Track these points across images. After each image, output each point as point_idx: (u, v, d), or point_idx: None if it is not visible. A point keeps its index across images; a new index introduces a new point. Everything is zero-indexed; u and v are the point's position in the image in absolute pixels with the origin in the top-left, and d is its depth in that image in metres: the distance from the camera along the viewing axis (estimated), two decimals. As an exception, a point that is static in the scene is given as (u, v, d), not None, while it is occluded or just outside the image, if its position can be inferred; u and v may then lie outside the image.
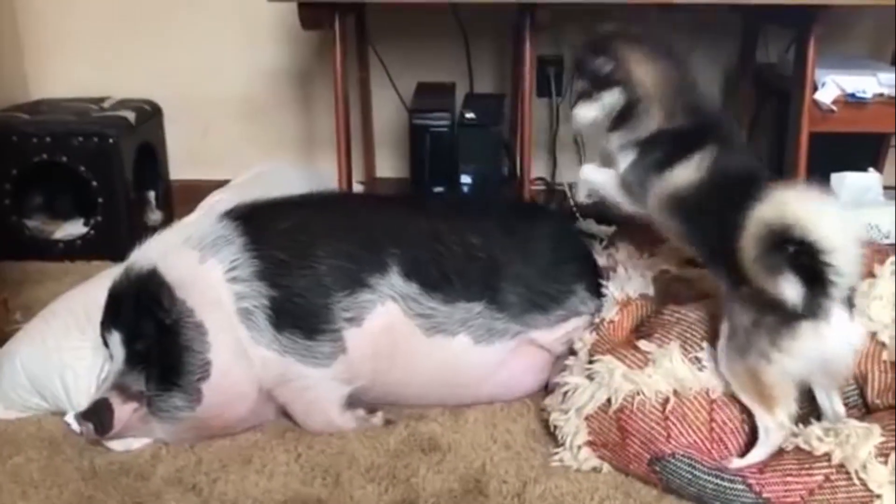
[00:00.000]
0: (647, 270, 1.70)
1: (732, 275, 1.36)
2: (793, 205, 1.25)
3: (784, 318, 1.30)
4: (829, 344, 1.31)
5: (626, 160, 1.51)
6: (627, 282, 1.67)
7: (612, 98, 1.51)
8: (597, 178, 1.58)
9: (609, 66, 1.50)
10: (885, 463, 1.27)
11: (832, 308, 1.28)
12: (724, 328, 1.41)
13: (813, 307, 1.28)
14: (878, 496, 1.26)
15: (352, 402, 1.60)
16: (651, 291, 1.67)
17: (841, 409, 1.43)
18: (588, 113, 1.54)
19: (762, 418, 1.38)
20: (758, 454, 1.37)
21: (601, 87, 1.52)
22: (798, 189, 1.29)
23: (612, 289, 1.67)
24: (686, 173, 1.44)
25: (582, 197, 1.64)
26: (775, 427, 1.37)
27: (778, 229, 1.25)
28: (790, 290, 1.27)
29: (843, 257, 1.23)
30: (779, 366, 1.33)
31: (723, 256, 1.37)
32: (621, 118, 1.51)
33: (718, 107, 1.60)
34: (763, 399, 1.36)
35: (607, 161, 1.56)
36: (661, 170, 1.46)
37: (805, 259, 1.24)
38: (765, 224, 1.26)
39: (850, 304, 1.32)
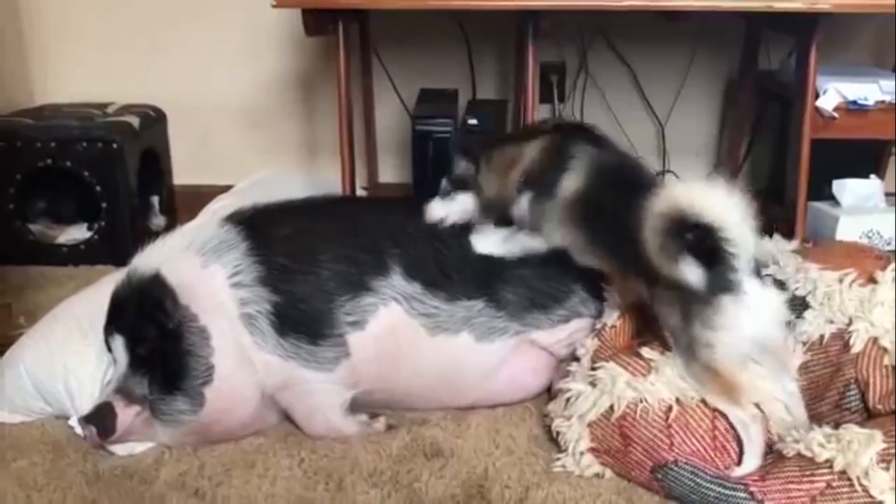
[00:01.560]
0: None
1: (646, 276, 1.42)
2: (683, 193, 1.34)
3: (705, 300, 1.35)
4: (752, 311, 1.36)
5: (524, 205, 1.58)
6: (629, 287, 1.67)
7: (466, 202, 1.63)
8: (496, 249, 1.64)
9: (469, 171, 1.63)
10: (887, 469, 1.27)
11: (742, 279, 1.35)
12: (667, 337, 1.45)
13: (725, 283, 1.35)
14: (881, 502, 1.26)
15: (354, 406, 1.60)
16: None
17: (794, 389, 1.48)
18: (438, 212, 1.64)
19: (734, 415, 1.40)
20: (749, 456, 1.39)
21: (458, 188, 1.64)
22: (684, 181, 1.36)
23: (614, 293, 1.67)
24: (570, 183, 1.52)
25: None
26: (749, 419, 1.39)
27: (673, 218, 1.32)
28: (690, 272, 1.34)
29: (736, 232, 1.31)
30: (720, 346, 1.37)
31: (632, 259, 1.42)
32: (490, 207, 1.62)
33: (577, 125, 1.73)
34: (727, 391, 1.39)
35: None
36: (551, 190, 1.53)
37: (706, 242, 1.32)
38: (660, 215, 1.34)
39: (758, 274, 1.39)
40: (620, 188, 1.50)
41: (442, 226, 1.64)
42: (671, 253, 1.34)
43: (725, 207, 1.31)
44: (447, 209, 1.64)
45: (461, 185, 1.64)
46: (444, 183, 1.66)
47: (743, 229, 1.32)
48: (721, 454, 1.39)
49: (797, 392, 1.48)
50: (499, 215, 1.62)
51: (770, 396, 1.44)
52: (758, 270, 1.40)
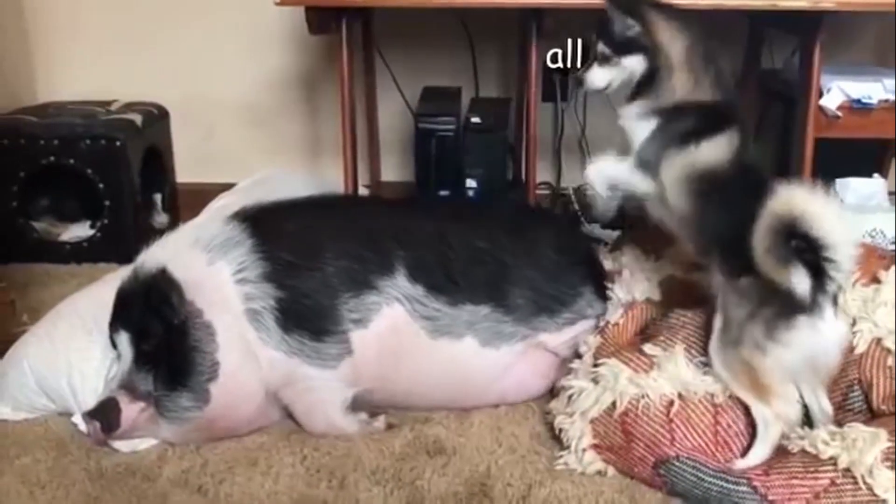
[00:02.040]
0: (653, 274, 1.71)
1: (731, 266, 1.38)
2: (800, 199, 1.28)
3: (782, 310, 1.33)
4: (821, 338, 1.34)
5: (644, 131, 1.46)
6: (633, 285, 1.68)
7: (634, 63, 1.46)
8: (607, 171, 1.51)
9: (635, 30, 1.44)
10: (892, 468, 1.27)
11: (826, 303, 1.32)
12: (717, 322, 1.42)
13: (812, 302, 1.32)
14: (884, 501, 1.26)
15: (356, 405, 1.60)
16: (656, 296, 1.67)
17: (828, 407, 1.45)
18: (604, 77, 1.49)
19: (759, 410, 1.39)
20: (759, 451, 1.38)
21: (623, 51, 1.46)
22: (804, 187, 1.31)
23: (618, 292, 1.68)
24: (713, 151, 1.42)
25: (602, 194, 1.53)
26: (773, 419, 1.38)
27: (786, 221, 1.28)
28: (800, 282, 1.30)
29: (843, 254, 1.27)
30: (773, 357, 1.35)
31: (724, 246, 1.39)
32: (641, 86, 1.46)
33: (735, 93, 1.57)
34: (758, 391, 1.38)
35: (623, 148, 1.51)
36: (685, 142, 1.42)
37: (808, 255, 1.28)
38: (776, 216, 1.29)
39: (836, 301, 1.36)
40: (751, 179, 1.42)
41: (607, 92, 1.50)
42: (779, 256, 1.30)
43: (838, 226, 1.27)
44: (612, 74, 1.48)
45: (626, 47, 1.45)
46: (600, 46, 1.48)
47: (849, 252, 1.28)
48: (723, 449, 1.39)
49: (830, 411, 1.45)
50: (665, 91, 1.45)
51: (796, 403, 1.42)
52: (836, 297, 1.35)
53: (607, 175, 1.51)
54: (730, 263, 1.39)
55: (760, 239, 1.31)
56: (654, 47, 1.44)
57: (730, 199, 1.40)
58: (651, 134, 1.45)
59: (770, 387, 1.37)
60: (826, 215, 1.26)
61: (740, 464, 1.38)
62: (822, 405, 1.45)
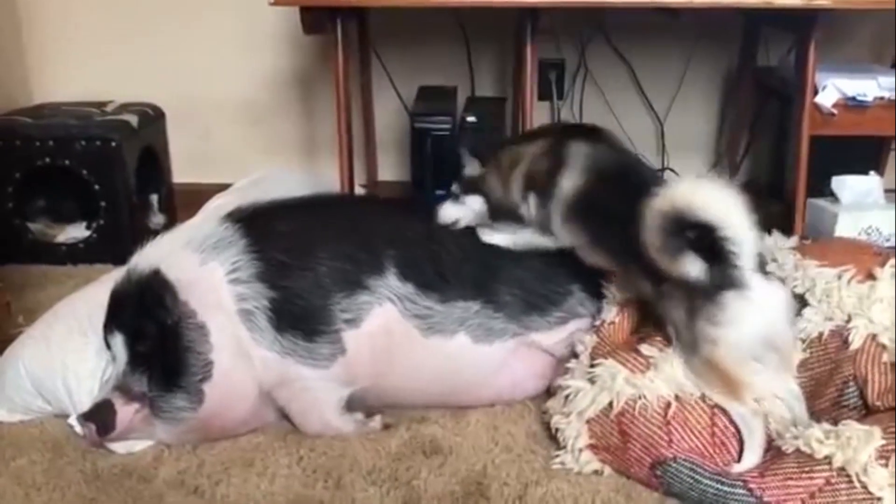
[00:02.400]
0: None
1: (650, 274, 1.43)
2: (682, 191, 1.36)
3: (709, 296, 1.37)
4: (757, 308, 1.38)
5: (532, 207, 1.59)
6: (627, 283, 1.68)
7: (476, 203, 1.65)
8: (519, 240, 1.64)
9: (477, 174, 1.65)
10: (886, 466, 1.27)
11: (746, 275, 1.36)
12: (671, 333, 1.46)
13: (728, 279, 1.36)
14: (879, 499, 1.26)
15: (351, 405, 1.60)
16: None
17: (797, 390, 1.47)
18: (454, 213, 1.66)
19: (735, 411, 1.40)
20: (750, 455, 1.39)
21: (468, 191, 1.66)
22: (683, 178, 1.40)
23: (613, 290, 1.67)
24: (570, 182, 1.53)
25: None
26: (751, 415, 1.40)
27: (673, 216, 1.34)
28: (692, 267, 1.36)
29: (737, 228, 1.33)
30: (724, 343, 1.38)
31: (635, 257, 1.43)
32: (499, 209, 1.63)
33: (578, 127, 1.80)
34: (729, 387, 1.40)
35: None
36: (550, 191, 1.55)
37: (707, 239, 1.33)
38: (660, 213, 1.35)
39: (763, 270, 1.41)
40: (620, 186, 1.51)
41: (455, 227, 1.65)
42: (671, 251, 1.36)
43: (725, 204, 1.33)
44: (459, 212, 1.66)
45: (471, 187, 1.65)
46: (454, 186, 1.68)
47: (744, 225, 1.33)
48: (720, 450, 1.39)
49: (798, 390, 1.48)
50: (509, 217, 1.63)
51: (771, 394, 1.43)
52: (762, 266, 1.41)
53: (521, 242, 1.64)
54: (645, 272, 1.44)
55: (650, 241, 1.37)
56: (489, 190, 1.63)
57: (619, 209, 1.45)
58: (535, 205, 1.59)
59: (738, 378, 1.39)
60: (708, 200, 1.33)
61: (737, 468, 1.38)
62: (790, 386, 1.46)
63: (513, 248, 1.64)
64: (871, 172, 2.38)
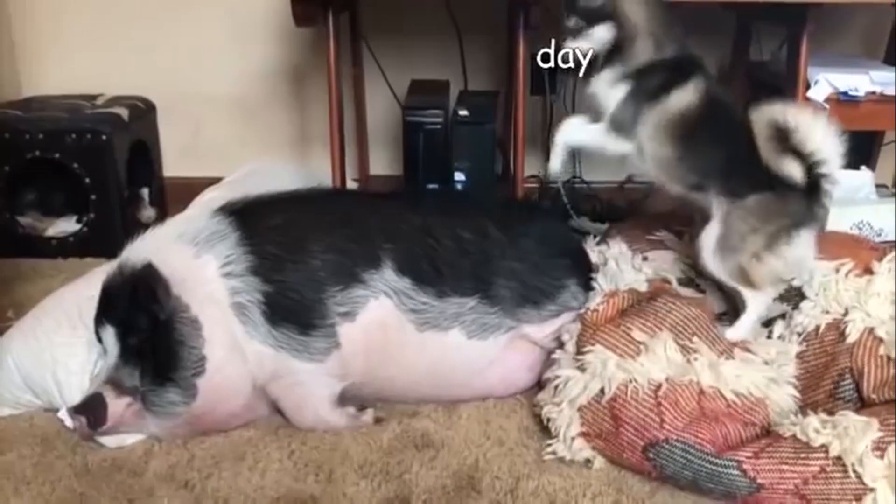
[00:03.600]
0: (647, 270, 1.71)
1: (737, 187, 1.54)
2: (791, 112, 1.46)
3: (784, 227, 1.51)
4: (812, 250, 1.54)
5: (617, 95, 1.58)
6: (618, 276, 1.68)
7: (603, 32, 1.57)
8: (579, 135, 1.65)
9: (600, 1, 1.56)
10: (881, 457, 1.28)
11: (821, 218, 1.54)
12: (713, 232, 1.56)
13: (808, 215, 1.51)
14: (872, 489, 1.27)
15: (345, 399, 1.59)
16: (643, 287, 1.67)
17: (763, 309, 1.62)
18: (581, 49, 1.60)
19: (748, 292, 1.57)
20: (746, 322, 1.58)
21: (593, 21, 1.57)
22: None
23: (601, 282, 1.68)
24: (684, 97, 1.56)
25: (557, 165, 1.67)
26: (763, 296, 1.57)
27: (782, 128, 1.45)
28: (795, 171, 1.47)
29: (834, 165, 1.45)
30: (768, 266, 1.53)
31: (726, 172, 1.55)
32: (611, 54, 1.58)
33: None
34: (749, 285, 1.56)
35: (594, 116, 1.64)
36: (656, 97, 1.56)
37: (812, 173, 1.46)
38: (773, 120, 1.46)
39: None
40: (725, 113, 1.59)
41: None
42: (776, 147, 1.46)
43: (829, 140, 1.44)
44: (584, 45, 1.59)
45: (594, 16, 1.57)
46: (572, 20, 1.59)
47: (837, 166, 1.45)
48: (711, 426, 1.39)
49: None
50: (633, 55, 1.57)
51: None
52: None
53: (578, 138, 1.65)
54: (734, 186, 1.54)
55: (761, 132, 1.48)
56: (619, 15, 1.56)
57: (719, 132, 1.56)
58: (624, 97, 1.58)
59: (760, 284, 1.56)
60: (817, 130, 1.43)
61: (729, 333, 1.55)
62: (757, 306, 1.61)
63: (588, 148, 1.64)
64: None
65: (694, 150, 1.57)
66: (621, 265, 1.71)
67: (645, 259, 1.76)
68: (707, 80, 1.59)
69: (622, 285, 1.65)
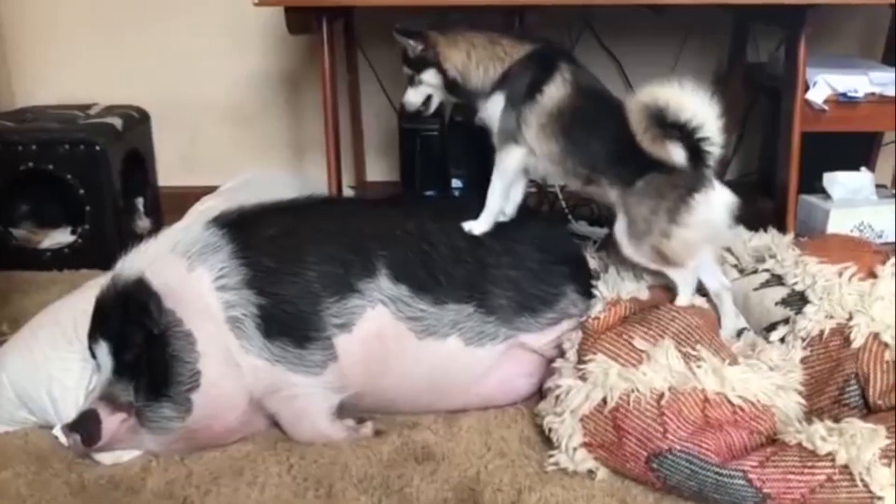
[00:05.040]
0: (648, 278, 1.70)
1: (625, 174, 1.57)
2: (661, 91, 1.47)
3: (679, 198, 1.53)
4: (715, 209, 1.55)
5: (497, 108, 1.64)
6: (619, 283, 1.66)
7: (430, 77, 1.67)
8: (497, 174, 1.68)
9: (419, 49, 1.65)
10: (889, 465, 1.26)
11: (712, 177, 1.54)
12: (621, 223, 1.60)
13: (701, 180, 1.53)
14: (880, 498, 1.25)
15: (342, 411, 1.58)
16: (644, 295, 1.65)
17: (725, 280, 1.68)
18: (417, 96, 1.71)
19: (673, 272, 1.60)
20: (726, 321, 1.64)
21: (420, 69, 1.67)
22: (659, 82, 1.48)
23: (602, 289, 1.66)
24: (555, 92, 1.61)
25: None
26: (687, 272, 1.60)
27: (655, 111, 1.47)
28: (677, 154, 1.50)
29: (711, 128, 1.48)
30: (677, 238, 1.55)
31: (612, 161, 1.58)
32: (453, 88, 1.66)
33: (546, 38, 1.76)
34: (670, 264, 1.59)
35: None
36: (531, 97, 1.61)
37: (689, 140, 1.49)
38: (644, 105, 1.48)
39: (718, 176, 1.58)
40: (599, 103, 1.63)
41: (425, 113, 1.72)
42: (659, 137, 1.49)
43: (700, 104, 1.46)
44: (421, 94, 1.70)
45: (421, 64, 1.66)
46: (405, 70, 1.69)
47: (716, 125, 1.47)
48: (715, 436, 1.37)
49: (729, 285, 1.68)
50: (467, 95, 1.67)
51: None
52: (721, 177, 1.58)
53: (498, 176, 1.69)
54: (622, 173, 1.58)
55: (636, 126, 1.50)
56: (440, 56, 1.64)
57: (596, 121, 1.61)
58: (503, 107, 1.63)
59: (680, 261, 1.58)
60: (687, 99, 1.46)
61: (723, 332, 1.60)
62: (721, 280, 1.67)
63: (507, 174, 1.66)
64: (863, 168, 2.37)
65: (577, 142, 1.61)
66: (622, 272, 1.69)
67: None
68: (574, 69, 1.63)
69: (623, 293, 1.64)
